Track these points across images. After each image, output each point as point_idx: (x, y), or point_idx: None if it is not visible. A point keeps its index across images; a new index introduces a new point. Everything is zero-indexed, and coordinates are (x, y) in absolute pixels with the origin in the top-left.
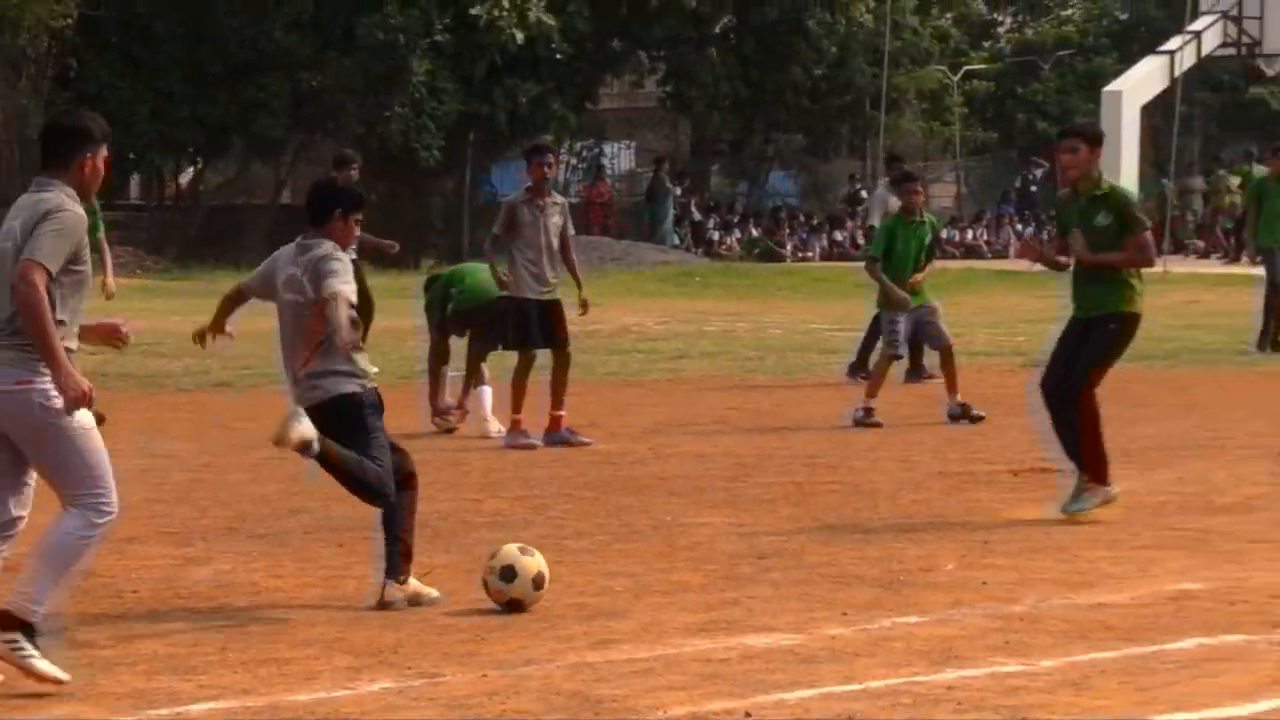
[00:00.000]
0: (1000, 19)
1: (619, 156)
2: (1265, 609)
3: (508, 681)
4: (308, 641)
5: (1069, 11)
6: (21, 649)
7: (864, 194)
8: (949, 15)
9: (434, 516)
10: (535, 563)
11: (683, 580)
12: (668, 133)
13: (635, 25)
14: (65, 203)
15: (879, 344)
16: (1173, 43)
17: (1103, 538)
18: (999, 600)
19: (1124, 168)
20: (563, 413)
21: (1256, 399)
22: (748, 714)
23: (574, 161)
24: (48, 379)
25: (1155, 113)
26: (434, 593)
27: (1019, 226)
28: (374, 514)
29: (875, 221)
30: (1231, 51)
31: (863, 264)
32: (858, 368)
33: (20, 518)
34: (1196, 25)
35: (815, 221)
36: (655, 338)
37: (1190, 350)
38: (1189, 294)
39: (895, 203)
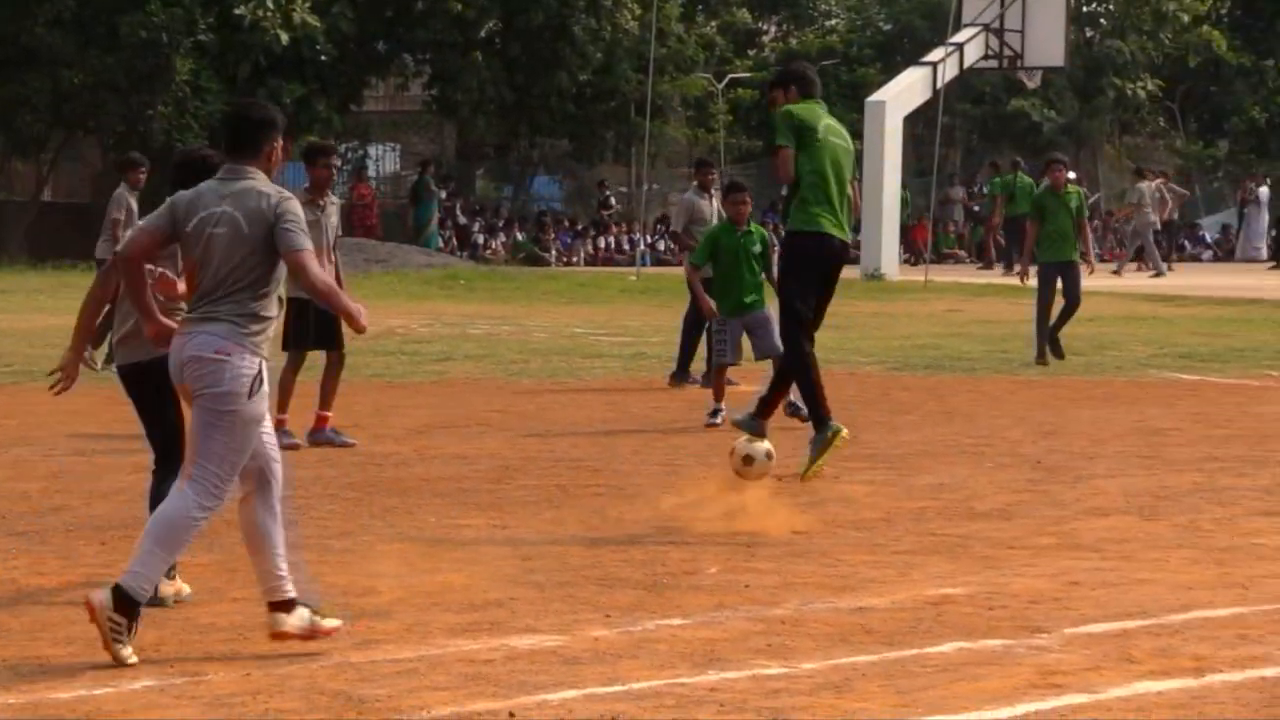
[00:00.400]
0: (765, 28)
1: (384, 159)
2: (1023, 614)
3: (271, 680)
4: (70, 639)
5: (833, 22)
6: (120, 636)
7: (613, 201)
8: (714, 23)
9: None
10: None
11: (447, 581)
12: (433, 136)
13: (400, 28)
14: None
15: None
16: (935, 54)
17: (864, 542)
18: (761, 603)
19: (886, 176)
20: (329, 413)
21: (1016, 407)
22: (511, 714)
23: (338, 163)
24: (248, 355)
25: (918, 123)
26: (187, 589)
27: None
28: (138, 512)
29: (678, 227)
30: (994, 64)
31: (627, 268)
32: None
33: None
34: (959, 37)
35: (580, 226)
36: (420, 340)
37: (951, 358)
38: (950, 303)
39: (704, 206)
